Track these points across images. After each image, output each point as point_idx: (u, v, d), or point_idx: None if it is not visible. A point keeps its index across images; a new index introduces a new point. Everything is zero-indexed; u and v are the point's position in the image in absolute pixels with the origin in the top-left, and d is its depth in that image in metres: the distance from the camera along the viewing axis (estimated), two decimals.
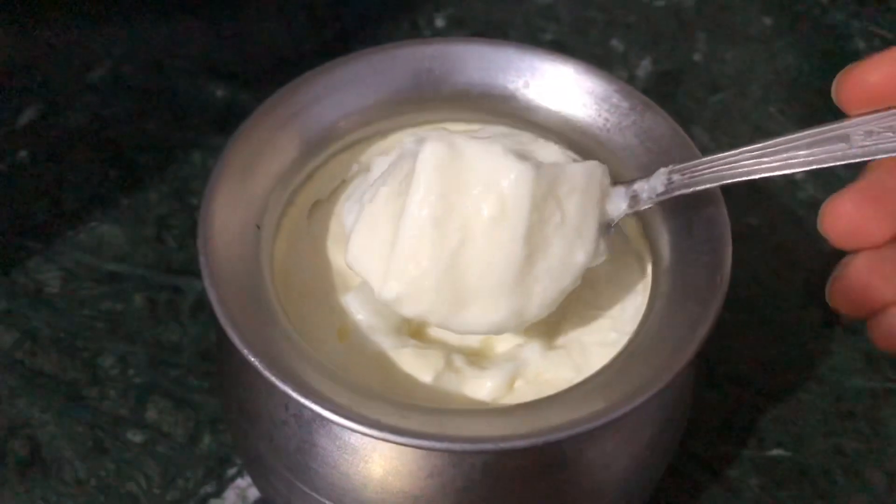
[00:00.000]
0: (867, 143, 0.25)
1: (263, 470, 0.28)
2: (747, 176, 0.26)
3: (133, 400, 0.36)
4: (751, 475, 0.35)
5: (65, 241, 0.40)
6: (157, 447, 0.35)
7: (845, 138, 0.25)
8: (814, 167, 0.25)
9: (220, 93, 0.45)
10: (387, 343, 0.28)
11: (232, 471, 0.35)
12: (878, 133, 0.25)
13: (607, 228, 0.27)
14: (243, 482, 0.34)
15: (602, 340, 0.29)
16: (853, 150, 0.25)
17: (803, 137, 0.25)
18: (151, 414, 0.36)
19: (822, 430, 0.36)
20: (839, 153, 0.25)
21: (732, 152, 0.26)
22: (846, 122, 0.25)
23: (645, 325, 0.27)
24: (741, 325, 0.39)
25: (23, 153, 0.43)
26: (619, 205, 0.27)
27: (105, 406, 0.36)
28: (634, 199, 0.27)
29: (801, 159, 0.25)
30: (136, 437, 0.35)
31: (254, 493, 0.34)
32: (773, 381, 0.37)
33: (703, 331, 0.25)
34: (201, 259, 0.26)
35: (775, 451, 0.36)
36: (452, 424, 0.24)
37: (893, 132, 0.25)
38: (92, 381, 0.37)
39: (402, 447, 0.25)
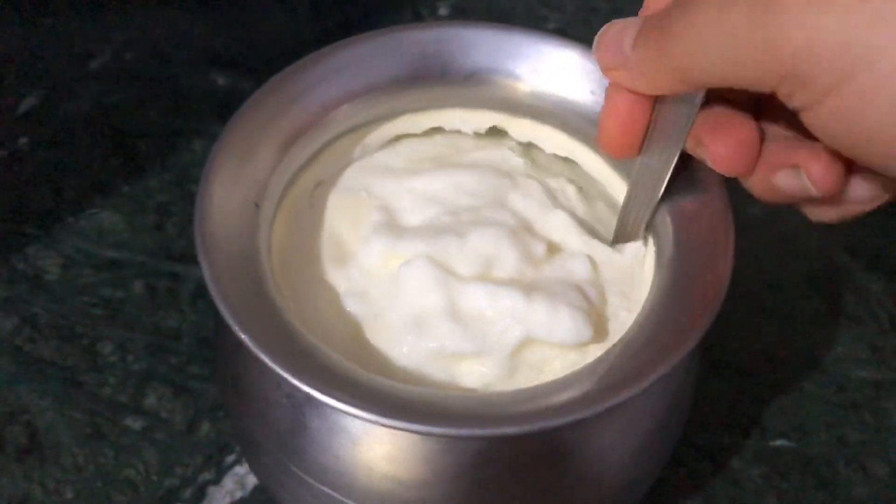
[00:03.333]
0: None
1: (258, 451, 0.28)
2: None
3: (132, 387, 0.36)
4: (753, 466, 0.35)
5: (65, 228, 0.40)
6: (155, 434, 0.35)
7: None
8: None
9: (221, 81, 0.45)
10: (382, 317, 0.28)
11: (231, 458, 0.34)
12: None
13: None
14: (242, 469, 0.34)
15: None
16: None
17: None
18: (150, 401, 0.36)
19: (825, 420, 0.36)
20: None
21: None
22: None
23: (648, 311, 0.26)
24: (744, 315, 0.38)
25: (23, 140, 0.43)
26: None
27: (104, 393, 0.36)
28: None
29: None
30: (135, 423, 0.35)
31: (252, 480, 0.34)
32: (776, 372, 0.37)
33: (707, 319, 0.25)
34: (196, 232, 0.26)
35: (778, 442, 0.36)
36: (444, 408, 0.23)
37: None
38: (91, 367, 0.36)
39: (394, 431, 0.24)
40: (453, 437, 0.23)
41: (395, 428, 0.22)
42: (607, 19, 0.48)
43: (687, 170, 0.28)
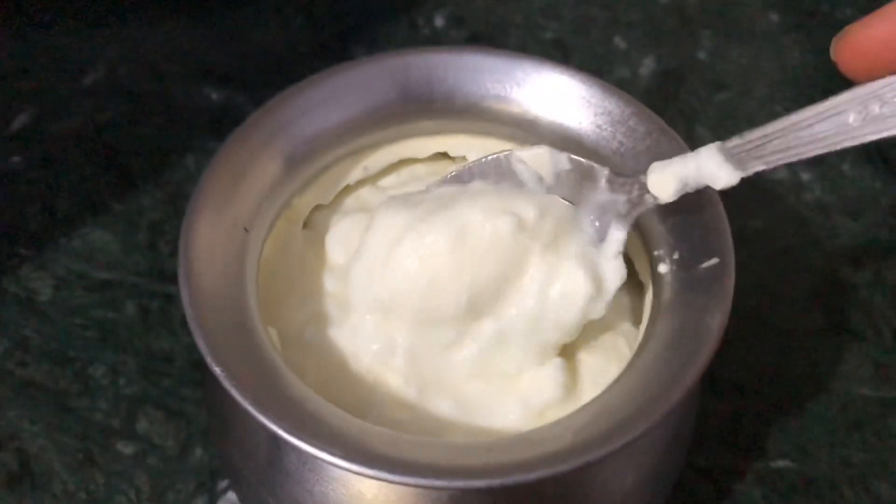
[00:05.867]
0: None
1: (239, 480, 0.28)
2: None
3: (124, 411, 0.36)
4: (755, 487, 0.34)
5: (57, 248, 0.40)
6: (147, 459, 0.34)
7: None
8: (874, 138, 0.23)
9: (215, 96, 0.45)
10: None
11: (223, 484, 0.34)
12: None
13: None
14: (234, 496, 0.34)
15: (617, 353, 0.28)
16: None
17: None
18: (142, 425, 0.35)
19: (828, 440, 0.35)
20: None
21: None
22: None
23: (639, 360, 0.25)
24: (744, 332, 0.38)
25: (16, 158, 0.42)
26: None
27: (96, 417, 0.35)
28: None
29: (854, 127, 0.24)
30: (127, 448, 0.35)
31: None
32: (777, 390, 0.36)
33: (707, 351, 0.24)
34: (181, 258, 0.25)
35: (780, 463, 0.35)
36: (413, 456, 0.22)
37: None
38: (83, 391, 0.36)
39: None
40: (420, 486, 0.22)
41: (359, 474, 0.22)
42: (605, 29, 0.48)
43: (696, 214, 0.27)
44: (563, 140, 0.30)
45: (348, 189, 0.32)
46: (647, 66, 0.46)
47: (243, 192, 0.27)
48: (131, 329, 0.38)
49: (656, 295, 0.27)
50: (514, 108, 0.30)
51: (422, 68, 0.30)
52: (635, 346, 0.27)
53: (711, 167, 0.26)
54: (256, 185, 0.28)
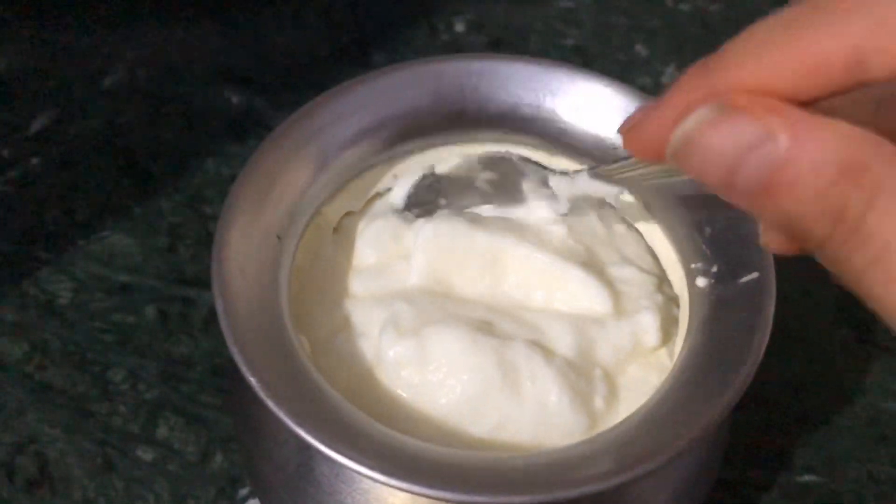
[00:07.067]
0: None
1: (266, 490, 0.28)
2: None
3: (143, 416, 0.35)
4: (781, 501, 0.34)
5: (76, 252, 0.39)
6: (167, 465, 0.34)
7: None
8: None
9: (235, 99, 0.45)
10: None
11: (244, 491, 0.34)
12: None
13: None
14: (256, 503, 0.33)
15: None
16: None
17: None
18: (162, 431, 0.35)
19: (854, 454, 0.35)
20: None
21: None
22: None
23: (675, 378, 0.25)
24: (770, 344, 0.37)
25: (35, 160, 0.42)
26: None
27: (115, 422, 0.35)
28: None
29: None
30: (147, 454, 0.34)
31: None
32: (803, 403, 0.36)
33: (748, 369, 0.24)
34: (213, 268, 0.25)
35: (806, 477, 0.35)
36: (449, 470, 0.22)
37: None
38: (102, 395, 0.36)
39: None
40: (458, 501, 0.22)
41: (396, 487, 0.22)
42: (626, 36, 0.47)
43: (734, 227, 0.27)
44: (596, 149, 0.30)
45: (377, 193, 0.31)
46: (669, 74, 0.46)
47: (275, 200, 0.27)
48: (151, 333, 0.37)
49: (694, 309, 0.27)
50: (547, 117, 0.30)
51: (454, 76, 0.30)
52: (675, 358, 0.26)
53: (587, 187, 0.29)
54: (288, 192, 0.28)
